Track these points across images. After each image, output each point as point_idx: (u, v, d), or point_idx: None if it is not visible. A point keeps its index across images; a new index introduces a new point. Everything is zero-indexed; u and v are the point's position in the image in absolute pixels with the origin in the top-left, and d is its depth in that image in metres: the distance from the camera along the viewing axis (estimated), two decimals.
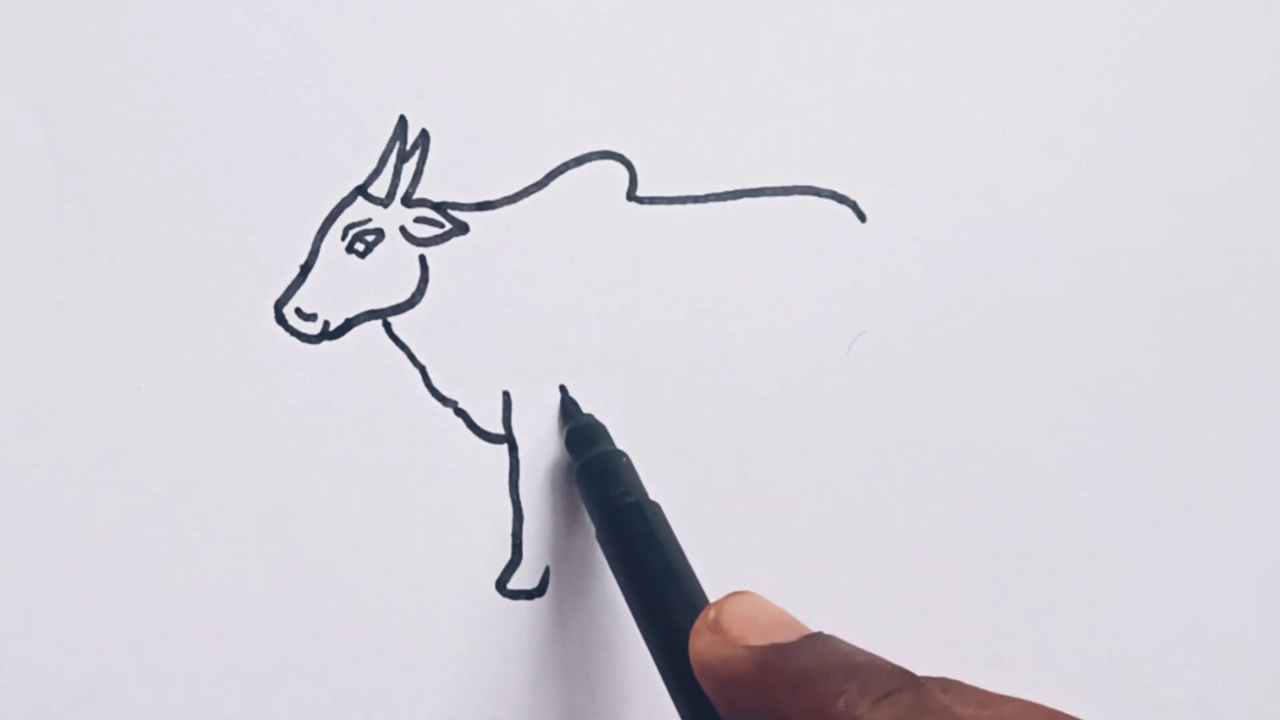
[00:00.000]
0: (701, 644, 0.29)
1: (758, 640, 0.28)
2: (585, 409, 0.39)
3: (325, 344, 0.38)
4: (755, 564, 0.40)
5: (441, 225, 0.38)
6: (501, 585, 0.39)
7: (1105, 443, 0.41)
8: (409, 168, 0.38)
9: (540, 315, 0.39)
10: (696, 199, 0.39)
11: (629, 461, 0.37)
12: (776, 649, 0.28)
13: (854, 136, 0.40)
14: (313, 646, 0.38)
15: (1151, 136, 0.41)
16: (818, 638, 0.29)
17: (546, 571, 0.39)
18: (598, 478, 0.36)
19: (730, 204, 0.39)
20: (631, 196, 0.39)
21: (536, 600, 0.39)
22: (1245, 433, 0.41)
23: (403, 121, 0.38)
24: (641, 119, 0.39)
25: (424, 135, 0.38)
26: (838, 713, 0.25)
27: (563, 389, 0.39)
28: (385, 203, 0.38)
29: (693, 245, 0.39)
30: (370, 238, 0.38)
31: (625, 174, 0.39)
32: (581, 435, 0.37)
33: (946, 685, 0.27)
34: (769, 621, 0.29)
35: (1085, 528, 0.41)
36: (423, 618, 0.39)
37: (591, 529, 0.36)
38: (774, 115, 0.39)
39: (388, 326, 0.38)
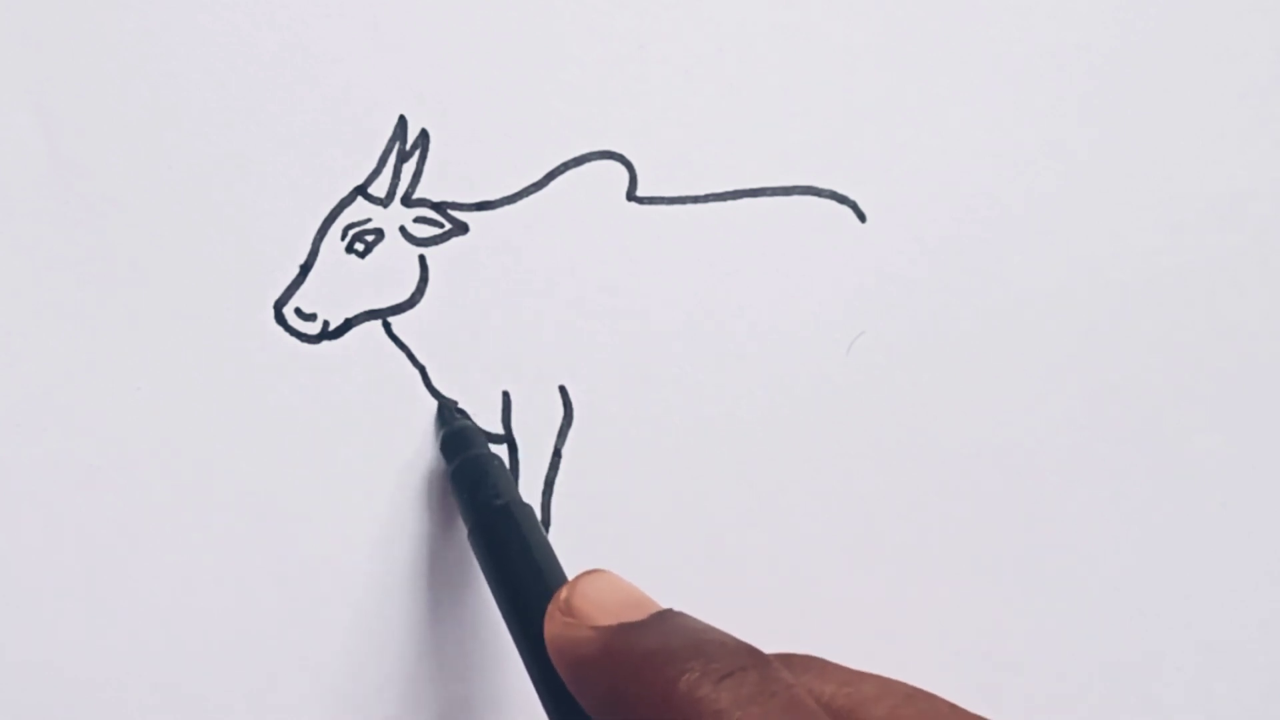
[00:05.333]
0: (553, 627, 0.29)
1: (607, 621, 0.28)
2: (585, 409, 0.39)
3: (325, 344, 0.38)
4: (754, 564, 0.40)
5: (441, 225, 0.38)
6: None
7: (1105, 443, 0.41)
8: (409, 168, 0.38)
9: (540, 315, 0.39)
10: (696, 199, 0.39)
11: (501, 464, 0.36)
12: (623, 629, 0.28)
13: (854, 136, 0.40)
14: (311, 646, 0.38)
15: (1151, 136, 0.41)
16: (666, 615, 0.28)
17: None
18: (468, 482, 0.36)
19: (730, 204, 0.40)
20: (631, 196, 0.39)
21: None
22: (1245, 433, 0.41)
23: (403, 121, 0.38)
24: (641, 119, 0.39)
25: (424, 135, 0.38)
26: (679, 693, 0.25)
27: (562, 389, 0.39)
28: (385, 203, 0.38)
29: (693, 245, 0.39)
30: (370, 238, 0.38)
31: (625, 174, 0.39)
32: (455, 439, 0.37)
33: (809, 663, 0.27)
34: (619, 601, 0.29)
35: (1085, 528, 0.41)
36: (423, 617, 0.39)
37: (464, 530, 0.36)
38: (774, 115, 0.39)
39: (388, 326, 0.38)
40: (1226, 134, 0.41)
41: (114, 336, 0.37)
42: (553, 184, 0.39)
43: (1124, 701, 0.41)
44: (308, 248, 0.38)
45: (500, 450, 0.39)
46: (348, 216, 0.38)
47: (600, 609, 0.29)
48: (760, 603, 0.40)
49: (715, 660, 0.26)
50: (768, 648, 0.40)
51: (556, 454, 0.39)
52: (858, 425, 0.40)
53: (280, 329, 0.38)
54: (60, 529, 0.37)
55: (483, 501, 0.35)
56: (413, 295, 0.38)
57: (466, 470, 0.36)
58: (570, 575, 0.38)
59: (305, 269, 0.38)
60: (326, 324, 0.38)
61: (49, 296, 0.37)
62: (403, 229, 0.38)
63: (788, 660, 0.28)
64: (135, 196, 0.37)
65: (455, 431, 0.37)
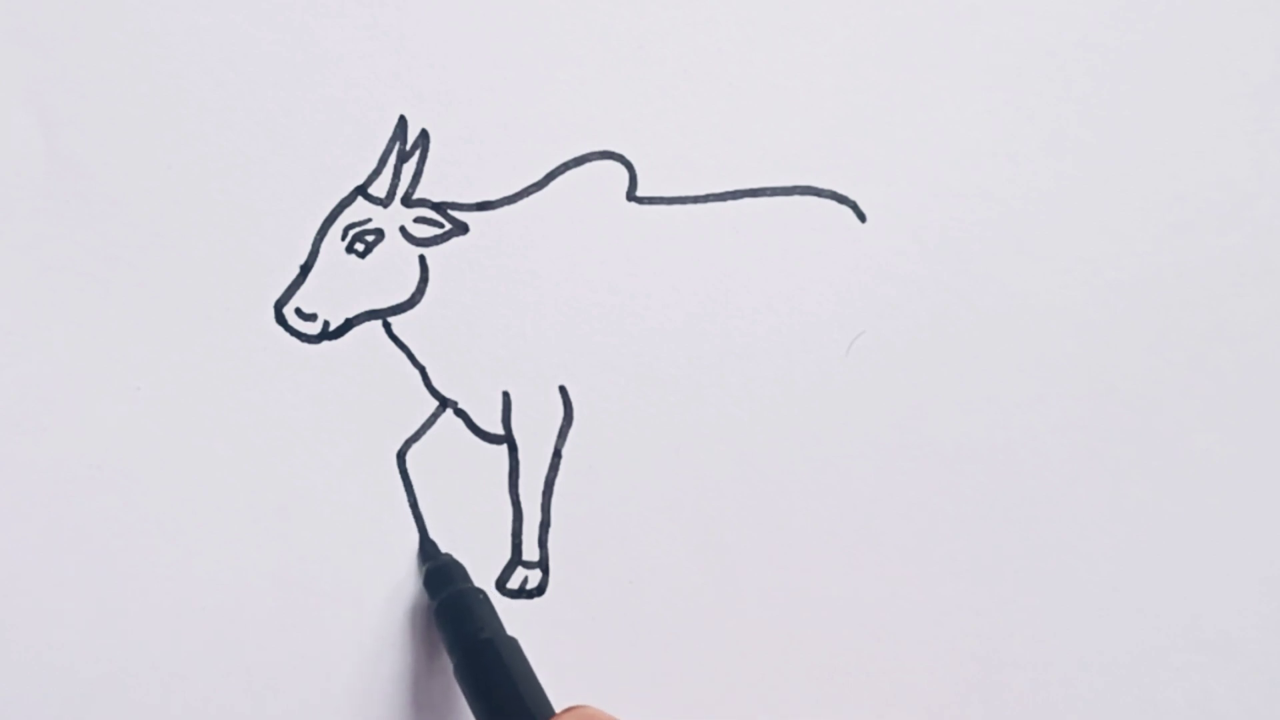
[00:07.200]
0: None
1: None
2: (585, 409, 0.39)
3: (325, 344, 0.38)
4: (755, 563, 0.40)
5: (441, 225, 0.38)
6: (501, 585, 0.39)
7: (1105, 443, 0.41)
8: (409, 168, 0.38)
9: (540, 315, 0.39)
10: (696, 199, 0.39)
11: (485, 597, 0.37)
12: None
13: (854, 136, 0.40)
14: (311, 644, 0.38)
15: (1151, 136, 0.41)
16: None
17: (546, 571, 0.39)
18: (454, 616, 0.36)
19: (730, 204, 0.40)
20: (631, 196, 0.39)
21: (536, 600, 0.39)
22: (1244, 433, 0.41)
23: (403, 121, 0.38)
24: (641, 119, 0.39)
25: (424, 135, 0.38)
26: None
27: (562, 389, 0.39)
28: (385, 203, 0.38)
29: (693, 245, 0.39)
30: (370, 238, 0.38)
31: (625, 174, 0.39)
32: (438, 575, 0.38)
33: None
34: None
35: (1085, 528, 0.41)
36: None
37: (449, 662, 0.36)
38: (774, 115, 0.39)
39: (388, 326, 0.38)
40: (1227, 134, 0.41)
41: (114, 336, 0.37)
42: (553, 184, 0.39)
43: (1124, 701, 0.41)
44: (308, 248, 0.38)
45: (500, 450, 0.39)
46: (348, 216, 0.38)
47: None
48: (760, 603, 0.40)
49: None
50: (767, 648, 0.40)
51: (556, 454, 0.39)
52: (857, 425, 0.40)
53: (280, 329, 0.38)
54: (60, 529, 0.37)
55: (467, 635, 0.36)
56: (413, 295, 0.38)
57: (451, 605, 0.37)
58: (567, 569, 0.38)
59: (305, 269, 0.38)
60: (326, 324, 0.38)
61: (49, 296, 0.37)
62: (403, 229, 0.38)
63: None
64: (135, 196, 0.37)
65: (438, 568, 0.38)
